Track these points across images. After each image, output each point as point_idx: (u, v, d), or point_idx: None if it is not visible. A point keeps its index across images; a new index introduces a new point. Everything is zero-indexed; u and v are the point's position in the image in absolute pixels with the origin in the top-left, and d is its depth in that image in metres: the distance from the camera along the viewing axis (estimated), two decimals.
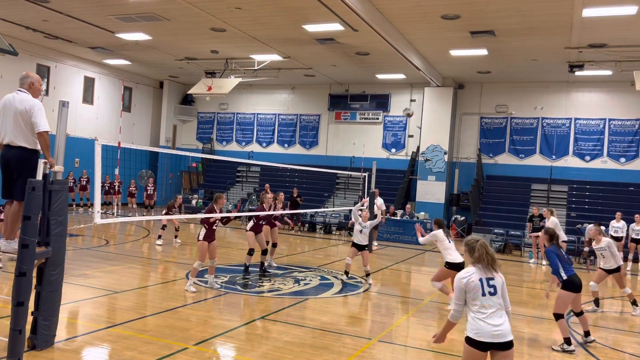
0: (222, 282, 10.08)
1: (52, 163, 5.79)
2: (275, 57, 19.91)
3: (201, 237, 9.19)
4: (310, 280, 10.82)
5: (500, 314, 4.47)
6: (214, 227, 9.31)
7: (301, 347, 6.50)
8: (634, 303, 9.54)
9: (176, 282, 9.98)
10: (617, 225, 15.83)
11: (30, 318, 5.63)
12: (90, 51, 21.75)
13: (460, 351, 6.78)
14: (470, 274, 4.54)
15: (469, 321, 4.52)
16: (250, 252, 11.00)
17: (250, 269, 11.17)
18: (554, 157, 21.51)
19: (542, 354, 6.97)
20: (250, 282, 10.30)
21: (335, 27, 15.45)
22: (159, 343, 6.31)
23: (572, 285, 7.16)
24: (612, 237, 15.88)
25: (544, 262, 15.86)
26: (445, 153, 21.75)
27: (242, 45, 18.55)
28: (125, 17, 16.09)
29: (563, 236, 13.10)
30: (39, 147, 5.84)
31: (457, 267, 8.56)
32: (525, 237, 17.71)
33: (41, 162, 5.73)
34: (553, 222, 13.70)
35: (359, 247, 11.00)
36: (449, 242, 9.07)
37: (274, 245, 12.27)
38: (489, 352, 4.44)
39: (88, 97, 24.25)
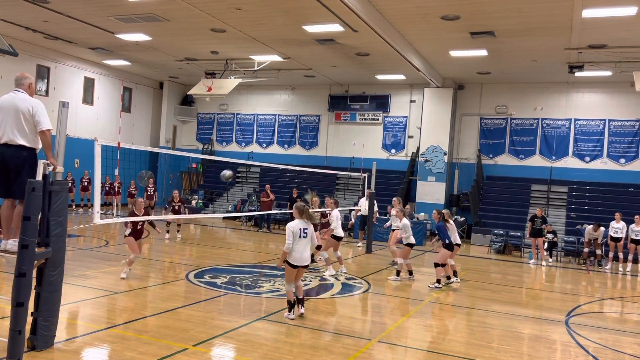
0: (221, 283, 10.08)
1: (54, 164, 5.78)
2: (275, 58, 19.92)
3: (127, 234, 10.10)
4: (310, 281, 10.82)
5: (306, 248, 7.72)
6: (138, 227, 10.22)
7: (301, 348, 6.50)
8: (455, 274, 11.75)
9: (176, 282, 9.98)
10: (617, 226, 15.82)
11: (30, 319, 5.62)
12: (90, 52, 21.76)
13: (459, 352, 6.81)
14: (297, 224, 7.70)
15: (291, 252, 7.58)
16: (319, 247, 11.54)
17: (248, 268, 11.14)
18: (553, 157, 21.51)
19: (542, 354, 6.97)
20: (250, 283, 10.30)
21: (335, 27, 15.46)
22: (159, 344, 6.31)
23: (450, 247, 11.05)
24: (611, 237, 15.92)
25: (544, 263, 15.87)
26: (445, 154, 21.76)
27: (242, 46, 18.56)
28: (125, 17, 16.10)
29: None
30: (37, 146, 5.83)
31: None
32: (525, 237, 17.72)
33: (41, 162, 5.72)
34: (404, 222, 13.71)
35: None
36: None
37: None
38: (297, 269, 7.67)
39: (88, 98, 24.27)
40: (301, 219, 7.75)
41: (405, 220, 11.71)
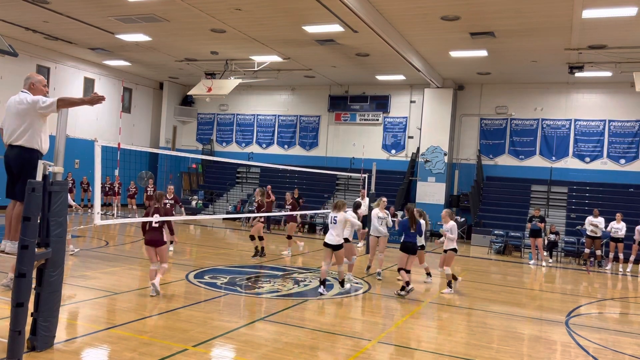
0: (221, 283, 10.08)
1: (96, 95, 5.73)
2: (275, 58, 19.92)
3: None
4: (310, 282, 10.82)
5: (335, 232, 9.69)
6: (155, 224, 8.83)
7: (301, 349, 6.50)
8: (454, 278, 10.94)
9: (176, 283, 9.98)
10: (617, 227, 15.80)
11: (29, 319, 5.62)
12: (90, 52, 21.76)
13: (459, 352, 6.81)
14: (330, 213, 9.94)
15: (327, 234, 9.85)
16: None
17: (248, 269, 11.12)
18: (553, 158, 21.51)
19: (542, 355, 6.97)
20: (250, 284, 10.30)
21: (335, 28, 15.46)
22: (159, 344, 6.31)
23: (404, 247, 10.19)
24: (611, 238, 15.91)
25: (544, 264, 15.87)
26: (445, 154, 21.75)
27: (242, 46, 18.56)
28: (125, 18, 16.11)
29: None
30: (37, 147, 5.82)
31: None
32: (525, 237, 17.75)
33: (41, 162, 5.72)
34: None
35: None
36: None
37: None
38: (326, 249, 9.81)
39: None
40: (334, 210, 9.84)
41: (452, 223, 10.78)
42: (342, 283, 10.08)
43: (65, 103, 5.77)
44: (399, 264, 10.22)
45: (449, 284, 10.72)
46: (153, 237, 8.83)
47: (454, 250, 10.73)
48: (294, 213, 15.17)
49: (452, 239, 10.64)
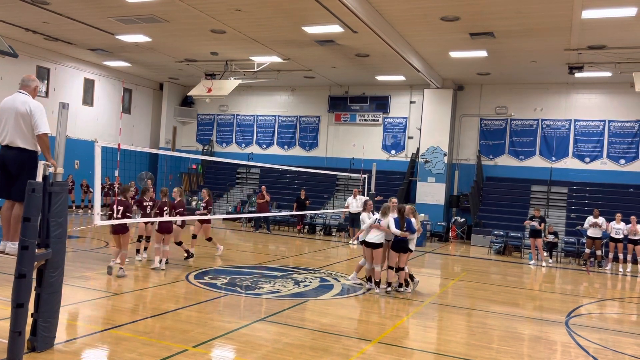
0: (221, 284, 10.09)
1: (54, 164, 5.79)
2: (275, 59, 19.93)
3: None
4: (310, 282, 10.82)
5: (376, 234, 10.19)
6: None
7: (301, 349, 6.50)
8: (411, 278, 10.65)
9: (176, 283, 9.98)
10: (618, 227, 15.80)
11: (30, 320, 5.63)
12: (90, 53, 21.77)
13: (459, 352, 6.81)
14: (375, 216, 10.34)
15: (368, 234, 10.30)
16: None
17: (248, 269, 11.11)
18: (553, 158, 21.52)
19: (542, 355, 6.97)
20: (250, 284, 10.30)
21: (335, 28, 15.47)
22: (159, 345, 6.31)
23: (395, 246, 10.19)
24: (611, 238, 15.91)
25: (544, 264, 15.88)
26: (445, 154, 21.76)
27: (242, 47, 18.57)
28: (125, 18, 16.11)
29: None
30: (38, 148, 5.84)
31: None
32: (525, 238, 17.76)
33: (41, 163, 5.72)
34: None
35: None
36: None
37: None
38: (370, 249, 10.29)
39: (88, 99, 24.28)
40: (381, 214, 10.24)
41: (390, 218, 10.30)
42: (377, 284, 10.33)
43: (44, 144, 5.80)
44: (390, 262, 10.24)
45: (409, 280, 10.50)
46: (167, 227, 11.07)
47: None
48: (209, 217, 13.54)
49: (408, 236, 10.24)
